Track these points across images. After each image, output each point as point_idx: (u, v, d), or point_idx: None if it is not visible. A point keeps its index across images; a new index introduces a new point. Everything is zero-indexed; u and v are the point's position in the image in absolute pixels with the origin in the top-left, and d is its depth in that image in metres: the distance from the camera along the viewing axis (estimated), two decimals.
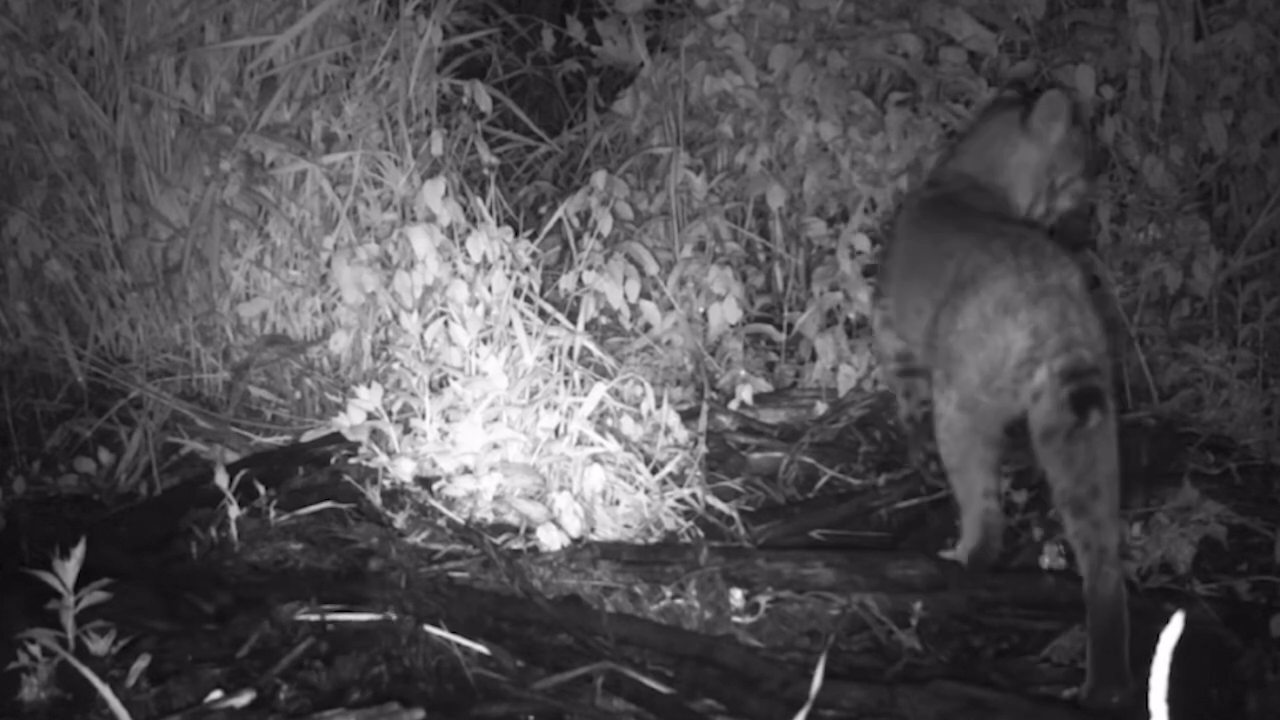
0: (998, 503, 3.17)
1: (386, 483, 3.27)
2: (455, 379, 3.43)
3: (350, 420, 3.33)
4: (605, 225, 3.94)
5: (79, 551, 2.53)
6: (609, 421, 3.51)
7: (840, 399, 3.92)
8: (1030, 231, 3.20)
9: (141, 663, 2.51)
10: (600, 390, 3.47)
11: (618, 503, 3.32)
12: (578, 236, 4.00)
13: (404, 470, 3.30)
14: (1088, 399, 2.89)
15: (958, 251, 3.16)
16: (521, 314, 3.62)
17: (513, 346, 3.56)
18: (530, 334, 3.59)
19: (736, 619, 3.08)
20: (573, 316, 3.76)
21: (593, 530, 3.24)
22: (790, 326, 4.11)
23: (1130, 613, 2.89)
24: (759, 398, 3.93)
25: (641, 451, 3.46)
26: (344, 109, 3.91)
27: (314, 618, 2.77)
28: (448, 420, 3.38)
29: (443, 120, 4.09)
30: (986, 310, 3.02)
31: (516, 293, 3.65)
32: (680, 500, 3.39)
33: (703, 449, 3.55)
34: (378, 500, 3.21)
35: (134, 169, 3.90)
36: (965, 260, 3.11)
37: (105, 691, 2.36)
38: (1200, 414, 3.73)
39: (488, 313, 3.59)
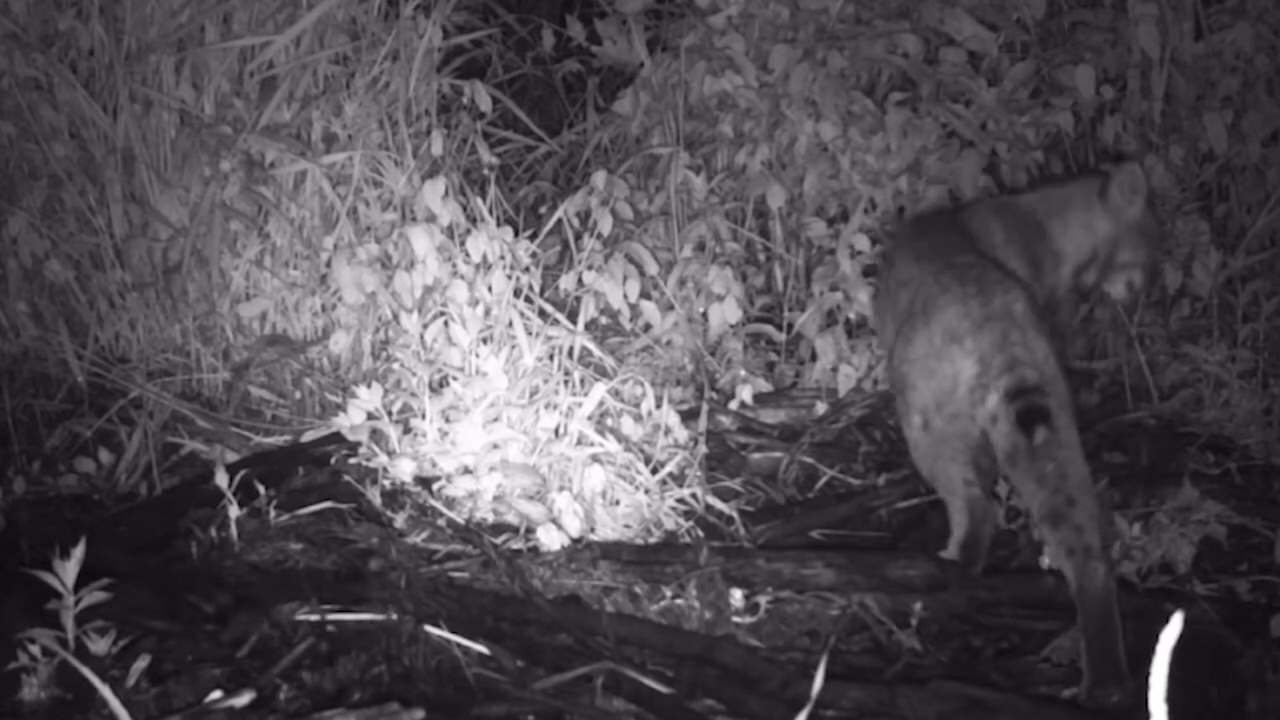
0: (980, 490, 3.21)
1: (386, 483, 3.27)
2: (455, 379, 3.43)
3: (350, 420, 3.33)
4: (605, 225, 3.94)
5: (79, 551, 2.53)
6: (609, 421, 3.51)
7: (840, 399, 3.92)
8: (979, 261, 3.27)
9: (141, 663, 2.51)
10: (600, 390, 3.47)
11: (618, 503, 3.32)
12: (578, 236, 4.00)
13: (404, 470, 3.29)
14: (1033, 416, 2.95)
15: (912, 281, 3.29)
16: (521, 314, 3.62)
17: (513, 346, 3.56)
18: (530, 334, 3.59)
19: (736, 619, 3.08)
20: (573, 316, 3.76)
21: (593, 530, 3.24)
22: (790, 326, 4.11)
23: (1130, 613, 2.90)
24: (759, 398, 3.93)
25: (641, 451, 3.46)
26: (344, 109, 3.91)
27: (314, 618, 2.76)
28: (448, 420, 3.38)
29: (443, 120, 4.08)
30: (935, 340, 3.14)
31: (516, 293, 3.65)
32: (680, 500, 3.39)
33: (703, 449, 3.55)
34: (378, 500, 3.21)
35: (134, 169, 3.90)
36: (918, 291, 3.24)
37: (105, 691, 2.36)
38: (1200, 414, 3.73)
39: (488, 313, 3.59)
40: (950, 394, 3.12)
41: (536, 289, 3.75)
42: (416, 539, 3.13)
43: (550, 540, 3.13)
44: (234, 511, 3.09)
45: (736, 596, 3.11)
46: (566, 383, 3.51)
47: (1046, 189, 3.66)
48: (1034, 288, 3.42)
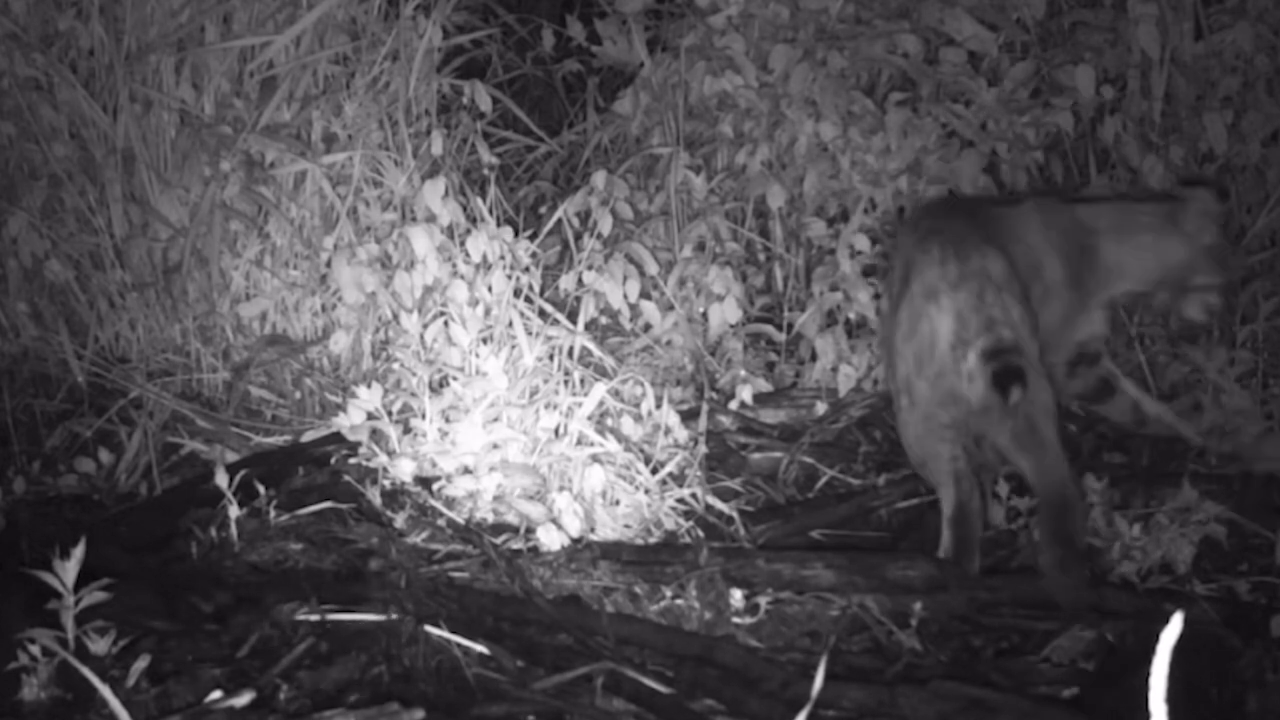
0: (969, 470, 3.23)
1: (386, 483, 3.27)
2: (455, 379, 3.43)
3: (350, 420, 3.33)
4: (605, 225, 3.94)
5: (79, 551, 2.53)
6: (609, 421, 3.51)
7: (840, 399, 3.92)
8: (962, 226, 3.29)
9: (141, 663, 2.51)
10: (600, 390, 3.47)
11: (618, 503, 3.32)
12: (578, 236, 4.00)
13: (404, 470, 3.30)
14: (1008, 376, 3.06)
15: (904, 248, 3.36)
16: (521, 314, 3.62)
17: (513, 346, 3.56)
18: (530, 334, 3.59)
19: (736, 619, 3.08)
20: (573, 316, 3.76)
21: (593, 530, 3.24)
22: (790, 326, 4.11)
23: (1130, 613, 2.93)
24: (759, 398, 3.92)
25: (641, 451, 3.46)
26: (344, 109, 3.91)
27: (314, 618, 2.76)
28: (448, 420, 3.38)
29: (443, 120, 4.08)
30: (915, 301, 3.21)
31: (516, 293, 3.65)
32: (680, 500, 3.39)
33: (703, 449, 3.55)
34: (378, 500, 3.21)
35: (134, 169, 3.90)
36: (907, 260, 3.29)
37: (105, 691, 2.36)
38: (1199, 417, 3.72)
39: (488, 313, 3.59)
40: (931, 352, 3.18)
41: (536, 289, 3.75)
42: (416, 539, 3.13)
43: (550, 540, 3.13)
44: (234, 511, 3.09)
45: (736, 597, 3.11)
46: (566, 383, 3.51)
47: (1112, 205, 3.64)
48: (1069, 292, 3.44)
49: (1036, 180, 4.16)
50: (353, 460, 3.35)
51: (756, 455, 3.77)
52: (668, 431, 3.54)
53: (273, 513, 3.14)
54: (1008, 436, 3.15)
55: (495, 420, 3.37)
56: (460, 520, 3.21)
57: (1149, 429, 3.64)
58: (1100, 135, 4.23)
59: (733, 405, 3.88)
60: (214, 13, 3.87)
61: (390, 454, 3.33)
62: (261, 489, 3.16)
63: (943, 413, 3.20)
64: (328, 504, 3.18)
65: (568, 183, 4.53)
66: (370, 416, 3.33)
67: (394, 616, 2.78)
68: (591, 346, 3.69)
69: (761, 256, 4.30)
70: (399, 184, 3.86)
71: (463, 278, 3.62)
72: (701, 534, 3.31)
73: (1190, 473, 3.39)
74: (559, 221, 3.99)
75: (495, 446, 3.33)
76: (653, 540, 3.26)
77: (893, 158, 4.06)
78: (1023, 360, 3.09)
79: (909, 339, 3.23)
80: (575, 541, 3.16)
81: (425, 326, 3.56)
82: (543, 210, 4.38)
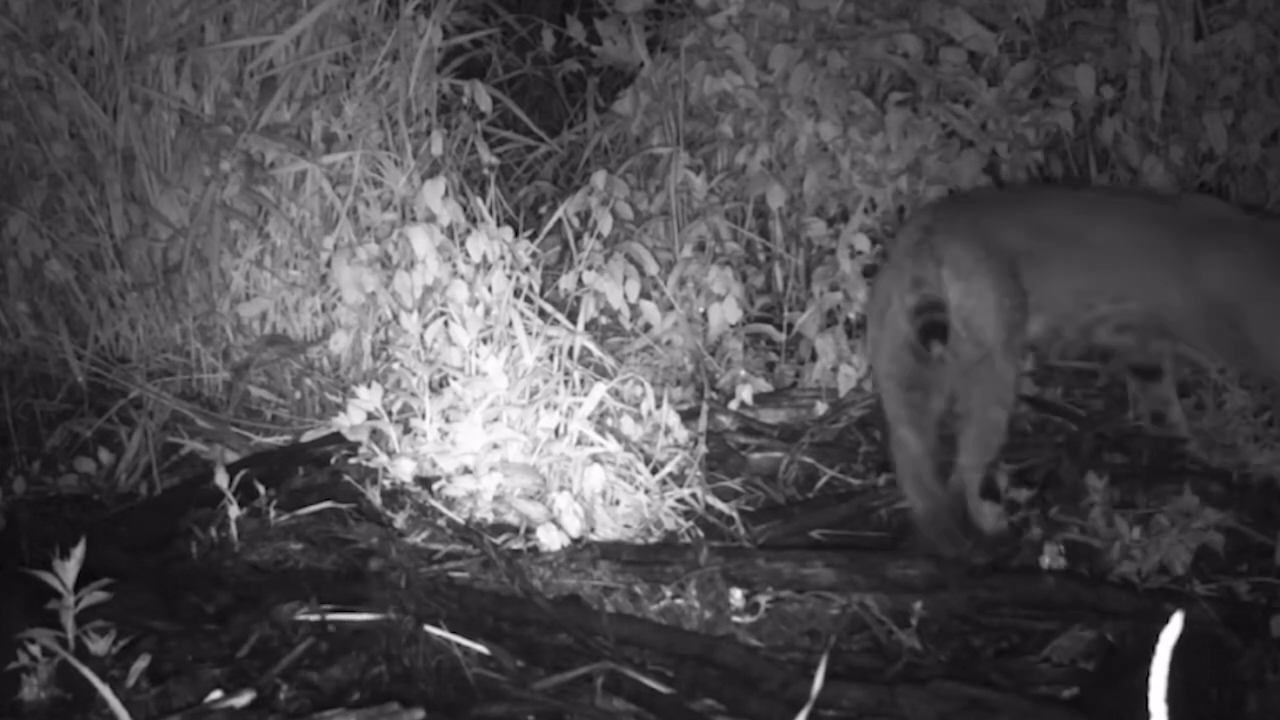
0: (930, 446, 3.30)
1: (386, 483, 3.27)
2: (455, 379, 3.43)
3: (350, 420, 3.33)
4: (605, 225, 3.94)
5: (79, 551, 2.53)
6: (609, 421, 3.51)
7: (840, 399, 3.91)
8: (959, 203, 3.41)
9: (141, 663, 2.51)
10: (600, 390, 3.47)
11: (618, 503, 3.33)
12: (578, 236, 4.00)
13: (404, 470, 3.30)
14: (930, 331, 3.14)
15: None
16: (521, 314, 3.62)
17: (513, 346, 3.56)
18: (530, 334, 3.59)
19: (736, 619, 3.08)
20: (573, 316, 3.76)
21: (593, 530, 3.24)
22: (790, 326, 4.11)
23: (1130, 613, 2.93)
24: (759, 398, 3.92)
25: (641, 451, 3.46)
26: (344, 109, 3.91)
27: (314, 618, 2.77)
28: (448, 420, 3.38)
29: (443, 120, 4.08)
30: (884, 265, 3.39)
31: (516, 293, 3.65)
32: (680, 500, 3.39)
33: (703, 449, 3.55)
34: (378, 500, 3.21)
35: (134, 169, 3.90)
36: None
37: (105, 691, 2.36)
38: (1199, 421, 3.71)
39: (488, 313, 3.59)
40: (885, 310, 3.26)
41: (536, 289, 3.75)
42: (416, 539, 3.13)
43: (550, 540, 3.13)
44: (234, 511, 3.09)
45: (736, 596, 3.11)
46: (566, 383, 3.51)
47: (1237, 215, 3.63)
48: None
49: (1038, 180, 4.16)
50: (353, 460, 3.35)
51: (756, 455, 3.77)
52: (668, 431, 3.54)
53: (273, 513, 3.14)
54: (964, 393, 3.24)
55: (495, 420, 3.37)
56: (460, 520, 3.21)
57: (1157, 430, 3.64)
58: (1100, 135, 4.23)
59: (733, 405, 3.88)
60: (214, 13, 3.87)
61: (390, 454, 3.33)
62: (261, 489, 3.16)
63: (897, 368, 3.26)
64: (328, 504, 3.18)
65: (568, 183, 4.52)
66: (370, 416, 3.33)
67: (394, 616, 2.78)
68: (591, 346, 3.69)
69: (761, 256, 4.30)
70: (399, 184, 3.86)
71: (463, 278, 3.62)
72: (701, 534, 3.31)
73: (1191, 474, 3.38)
74: (559, 221, 3.99)
75: (495, 446, 3.33)
76: (653, 540, 3.26)
77: (893, 158, 4.06)
78: (945, 317, 3.15)
79: (871, 298, 3.39)
80: (575, 541, 3.16)
81: (425, 326, 3.56)
82: (543, 210, 4.37)
